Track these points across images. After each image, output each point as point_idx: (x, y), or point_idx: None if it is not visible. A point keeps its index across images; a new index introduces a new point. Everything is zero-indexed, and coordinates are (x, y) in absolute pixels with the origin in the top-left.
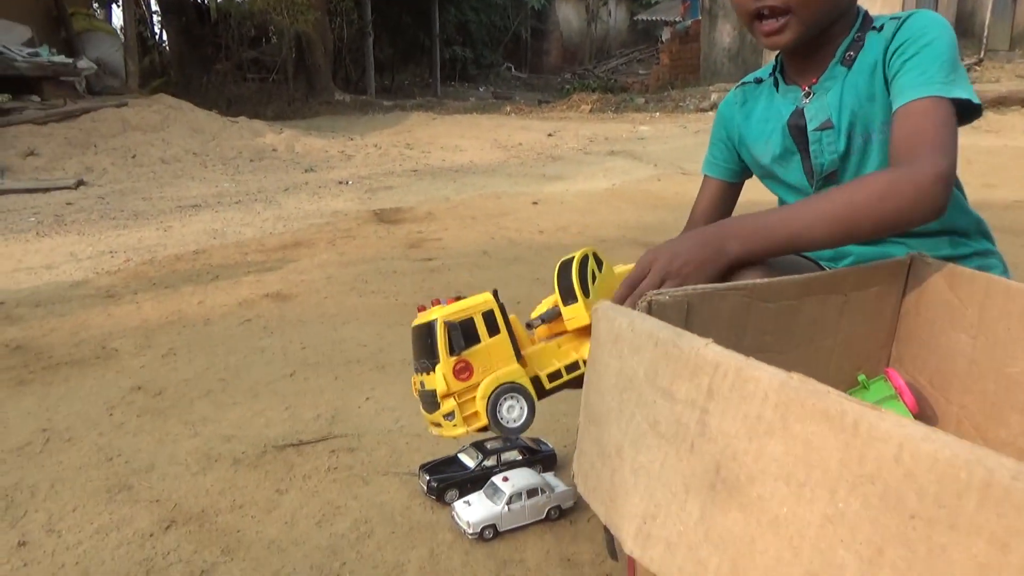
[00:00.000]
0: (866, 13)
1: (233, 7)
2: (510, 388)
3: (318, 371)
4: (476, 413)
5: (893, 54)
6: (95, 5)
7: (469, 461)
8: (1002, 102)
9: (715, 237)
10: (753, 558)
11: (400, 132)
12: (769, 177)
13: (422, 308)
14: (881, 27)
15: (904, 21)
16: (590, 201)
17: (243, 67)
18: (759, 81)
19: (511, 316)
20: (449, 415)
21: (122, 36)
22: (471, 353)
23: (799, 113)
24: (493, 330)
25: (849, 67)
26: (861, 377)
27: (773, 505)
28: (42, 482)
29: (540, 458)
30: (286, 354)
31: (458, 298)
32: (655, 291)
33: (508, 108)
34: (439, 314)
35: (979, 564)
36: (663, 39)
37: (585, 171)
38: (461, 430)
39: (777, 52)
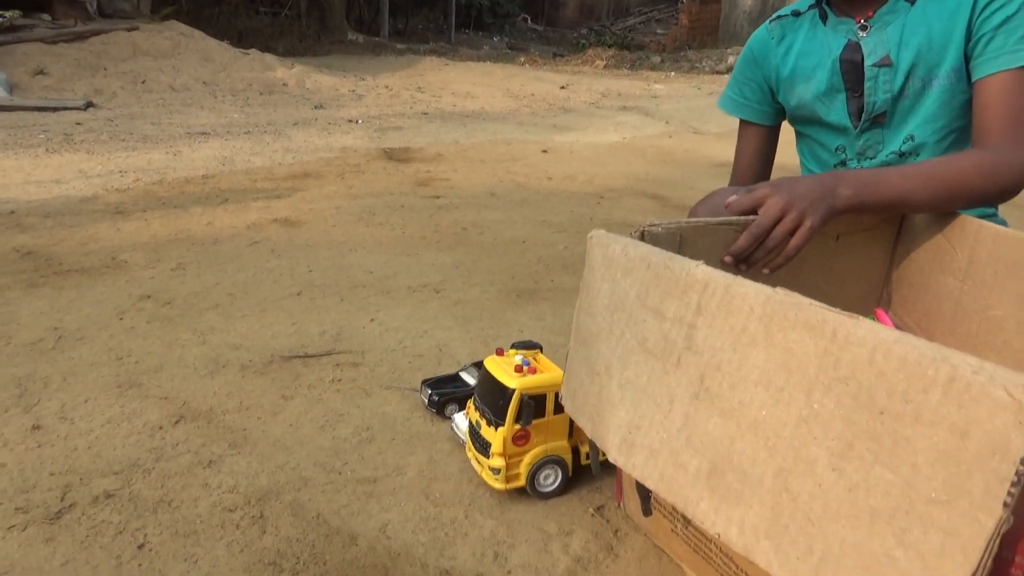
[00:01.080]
0: None
1: None
2: (552, 460)
3: (324, 292)
4: (518, 475)
5: (987, 6)
6: None
7: (470, 379)
8: None
9: (831, 179)
10: (731, 458)
11: (412, 75)
12: (804, 120)
13: (500, 352)
14: None
15: None
16: (600, 152)
17: (255, 0)
18: (797, 14)
19: None
20: (496, 470)
21: None
22: (534, 425)
23: (854, 47)
24: (559, 408)
25: (912, 2)
26: None
27: (752, 409)
28: (54, 375)
29: None
30: (293, 275)
31: (528, 345)
32: (649, 223)
33: (522, 59)
34: (519, 384)
35: (940, 451)
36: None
37: (596, 124)
38: (500, 486)
39: None
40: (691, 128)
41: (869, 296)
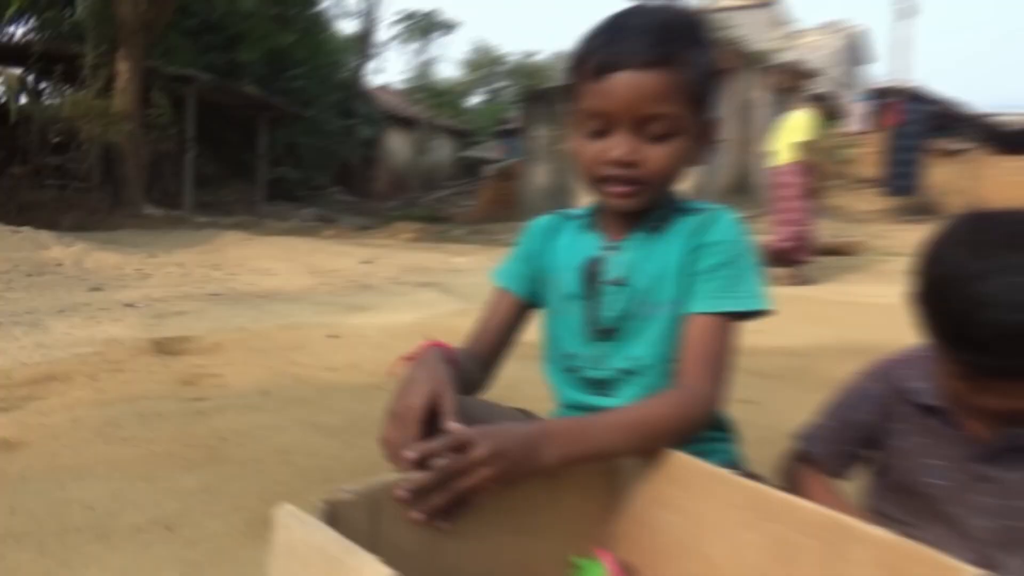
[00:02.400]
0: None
1: (37, 110)
2: None
3: (21, 544)
4: None
5: (701, 250)
6: None
7: None
8: None
9: (539, 436)
10: None
11: (209, 251)
12: (552, 314)
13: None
14: (688, 211)
15: (714, 217)
16: (390, 336)
17: (42, 173)
18: (572, 217)
19: None
20: None
21: None
22: None
23: (599, 261)
24: None
25: (655, 235)
26: (575, 559)
27: None
28: None
29: None
30: None
31: None
32: (340, 488)
33: (329, 232)
34: None
35: None
36: (485, 175)
37: (393, 302)
38: None
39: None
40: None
41: (594, 532)
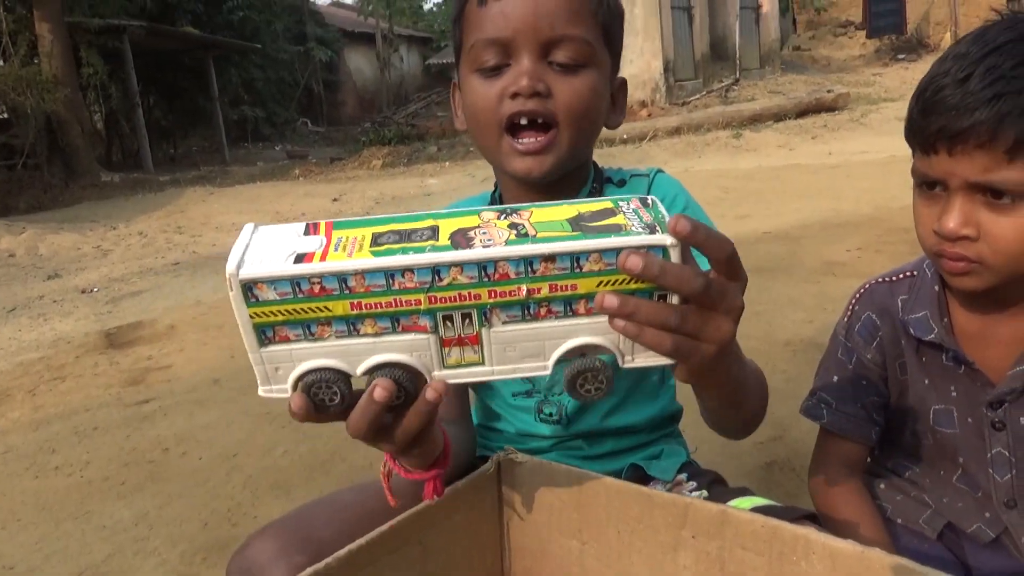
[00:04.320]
0: (594, 162)
1: None
2: None
3: None
4: None
5: None
6: None
7: None
8: (757, 119)
9: None
10: None
11: (172, 213)
12: None
13: None
14: (621, 182)
15: (652, 181)
16: None
17: None
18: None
19: None
20: None
21: None
22: None
23: None
24: None
25: None
26: None
27: None
28: None
29: None
30: None
31: None
32: None
33: (296, 171)
34: None
35: None
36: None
37: None
38: None
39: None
40: None
41: (491, 572)
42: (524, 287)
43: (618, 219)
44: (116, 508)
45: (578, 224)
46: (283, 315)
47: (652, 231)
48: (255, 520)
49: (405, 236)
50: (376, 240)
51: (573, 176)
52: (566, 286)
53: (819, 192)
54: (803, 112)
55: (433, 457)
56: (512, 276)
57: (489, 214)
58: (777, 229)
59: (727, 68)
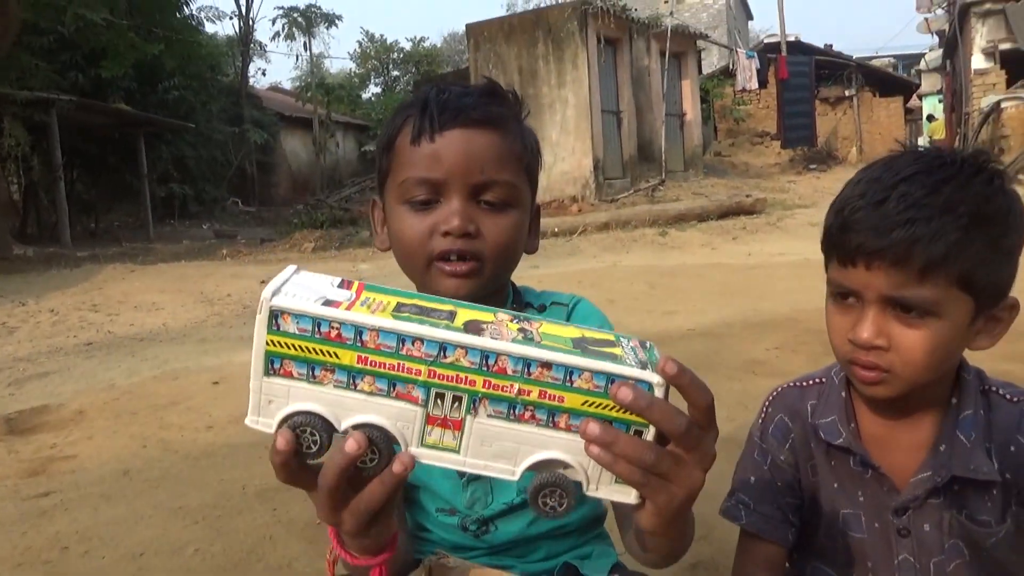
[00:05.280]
0: (514, 284)
1: None
2: None
3: None
4: None
5: None
6: None
7: None
8: (682, 218)
9: None
10: None
11: (88, 290)
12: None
13: None
14: (541, 307)
15: (572, 310)
16: None
17: None
18: None
19: None
20: None
21: None
22: None
23: None
24: None
25: None
26: None
27: None
28: None
29: None
30: None
31: None
32: None
33: (224, 251)
34: None
35: None
36: None
37: None
38: None
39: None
40: None
41: None
42: (517, 385)
43: (616, 351)
44: None
45: (580, 344)
46: (295, 350)
47: (644, 368)
48: None
49: (425, 312)
50: (399, 307)
51: (491, 298)
52: (555, 396)
53: (740, 291)
54: (724, 214)
55: (385, 539)
56: (509, 372)
57: (504, 315)
58: (701, 326)
59: (654, 169)
